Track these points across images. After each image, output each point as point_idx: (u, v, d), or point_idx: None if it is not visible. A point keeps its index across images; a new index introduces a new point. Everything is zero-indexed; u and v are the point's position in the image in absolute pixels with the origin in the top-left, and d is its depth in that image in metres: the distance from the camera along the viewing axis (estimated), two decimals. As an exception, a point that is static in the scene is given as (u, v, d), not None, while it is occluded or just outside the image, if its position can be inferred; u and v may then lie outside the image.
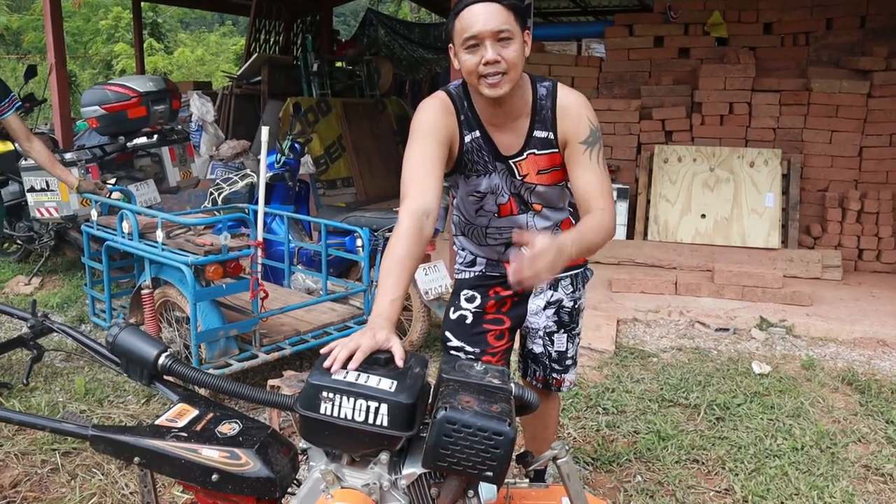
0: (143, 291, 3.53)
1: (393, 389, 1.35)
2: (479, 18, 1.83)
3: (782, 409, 3.69)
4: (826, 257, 6.01)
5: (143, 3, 12.77)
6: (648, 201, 6.62)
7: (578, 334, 2.43)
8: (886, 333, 4.79)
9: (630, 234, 6.61)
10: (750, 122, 6.67)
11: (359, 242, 4.10)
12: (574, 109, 2.01)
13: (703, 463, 3.19)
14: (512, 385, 1.48)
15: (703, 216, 6.39)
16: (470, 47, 1.86)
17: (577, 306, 2.37)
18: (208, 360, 3.36)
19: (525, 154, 2.05)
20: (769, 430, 3.47)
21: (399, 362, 1.41)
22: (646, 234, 6.55)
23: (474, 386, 1.44)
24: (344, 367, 1.36)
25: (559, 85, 2.06)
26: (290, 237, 4.47)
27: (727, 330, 4.88)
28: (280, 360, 3.69)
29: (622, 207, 6.54)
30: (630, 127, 6.89)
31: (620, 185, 6.60)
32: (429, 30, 14.40)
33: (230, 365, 3.37)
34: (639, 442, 3.34)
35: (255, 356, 3.49)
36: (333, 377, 1.37)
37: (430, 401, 1.48)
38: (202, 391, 2.52)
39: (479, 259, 2.33)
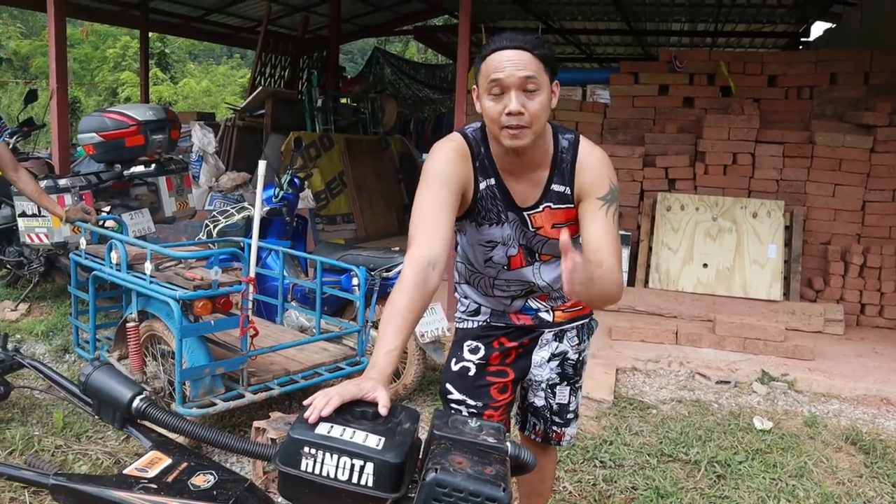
0: (129, 324, 3.42)
1: (380, 447, 1.25)
2: (506, 65, 1.75)
3: (785, 469, 3.56)
4: (828, 311, 5.91)
5: (150, 34, 12.87)
6: (650, 249, 6.55)
7: (581, 387, 2.33)
8: (891, 392, 4.68)
9: (631, 282, 6.52)
10: (753, 172, 6.63)
11: (355, 281, 4.00)
12: (595, 164, 1.93)
13: (703, 525, 3.06)
14: (508, 444, 1.38)
15: (705, 265, 6.31)
16: (494, 94, 1.78)
17: (581, 358, 2.28)
18: (192, 398, 3.24)
19: (541, 207, 1.97)
20: (772, 490, 3.35)
21: (382, 410, 1.32)
22: (647, 281, 6.46)
23: (468, 445, 1.34)
24: (324, 418, 1.27)
25: (582, 139, 1.98)
26: (285, 273, 4.38)
27: (728, 383, 4.76)
28: (268, 400, 3.56)
29: (624, 254, 6.46)
30: (633, 174, 6.85)
31: (623, 232, 6.53)
32: (435, 70, 14.52)
33: (215, 404, 3.25)
34: (637, 499, 3.21)
35: (242, 396, 3.37)
36: (316, 431, 1.27)
37: (420, 456, 1.37)
38: (180, 437, 2.39)
39: (483, 308, 2.24)
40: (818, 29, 11.65)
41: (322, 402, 1.30)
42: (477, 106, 1.87)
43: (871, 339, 5.82)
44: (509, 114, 1.75)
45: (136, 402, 1.48)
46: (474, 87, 1.87)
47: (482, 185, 1.95)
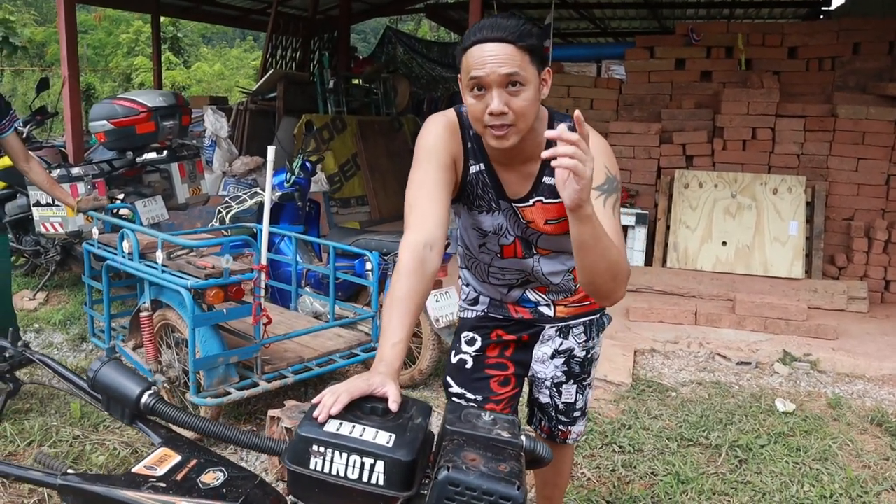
0: (142, 314, 3.40)
1: (391, 444, 1.21)
2: (488, 60, 1.60)
3: (808, 452, 3.49)
4: (851, 288, 5.80)
5: (162, 18, 12.83)
6: (668, 227, 6.45)
7: (590, 385, 2.22)
8: (917, 371, 4.59)
9: (649, 261, 6.43)
10: (773, 147, 6.49)
11: (368, 266, 3.96)
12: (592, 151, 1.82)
13: (725, 510, 3.01)
14: (523, 438, 1.33)
15: (725, 244, 6.20)
16: (476, 91, 1.64)
17: (589, 356, 2.15)
18: (207, 387, 3.22)
19: (531, 201, 1.85)
20: (795, 475, 3.28)
21: (392, 406, 1.28)
22: (665, 261, 6.37)
23: (481, 440, 1.30)
24: (333, 415, 1.23)
25: None
26: (299, 259, 4.34)
27: (749, 364, 4.69)
28: (282, 388, 3.54)
29: (641, 233, 6.37)
30: (650, 151, 6.73)
31: (639, 211, 6.44)
32: (447, 48, 14.36)
33: (229, 393, 3.23)
34: (657, 485, 3.16)
35: (256, 384, 3.35)
36: (325, 429, 1.24)
37: (433, 451, 1.33)
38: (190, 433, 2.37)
39: (481, 298, 2.14)
40: (839, -2, 11.36)
41: (331, 400, 1.26)
42: (464, 98, 1.74)
43: (895, 316, 5.71)
44: (491, 114, 1.62)
45: (144, 398, 1.46)
46: (459, 76, 1.74)
47: (472, 169, 1.84)
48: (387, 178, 9.13)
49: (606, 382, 4.21)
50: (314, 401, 1.30)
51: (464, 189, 1.87)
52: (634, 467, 3.31)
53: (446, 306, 3.96)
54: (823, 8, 11.52)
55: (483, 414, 1.39)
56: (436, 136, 1.79)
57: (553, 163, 1.38)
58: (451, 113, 1.86)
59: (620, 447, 3.50)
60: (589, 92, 7.21)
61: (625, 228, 6.10)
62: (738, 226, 6.22)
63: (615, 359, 4.50)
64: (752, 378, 4.50)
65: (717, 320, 5.24)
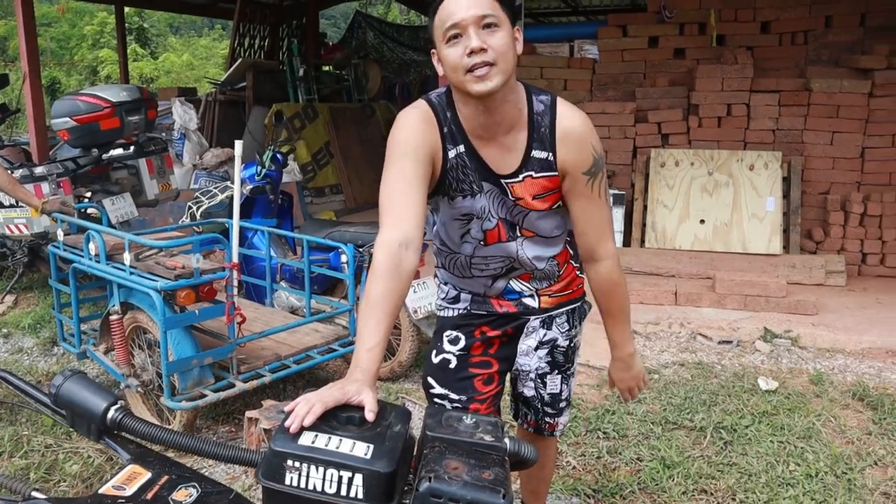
0: (112, 317, 3.31)
1: (369, 455, 1.15)
2: (460, 5, 1.62)
3: (793, 431, 3.49)
4: (829, 262, 5.82)
5: (127, 9, 12.55)
6: (645, 207, 6.43)
7: (573, 374, 2.18)
8: (896, 343, 4.61)
9: (627, 242, 6.41)
10: (748, 123, 6.47)
11: (343, 259, 3.88)
12: (578, 135, 1.77)
13: (711, 494, 2.99)
14: (506, 441, 1.27)
15: (702, 222, 6.19)
16: (452, 39, 1.63)
17: (572, 345, 2.11)
18: (181, 390, 3.14)
19: (521, 176, 1.79)
20: (780, 454, 3.27)
21: (369, 415, 1.22)
22: (643, 241, 6.35)
23: (463, 446, 1.24)
24: (307, 427, 1.18)
25: (559, 101, 1.80)
26: (273, 253, 4.25)
27: (730, 342, 4.68)
28: (260, 387, 3.47)
29: (618, 214, 6.33)
30: (625, 130, 6.69)
31: (616, 191, 6.40)
32: (418, 32, 14.23)
33: (205, 396, 3.15)
34: (643, 470, 3.14)
35: (233, 385, 3.27)
36: (300, 442, 1.17)
37: (414, 455, 1.28)
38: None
39: (462, 295, 2.07)
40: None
41: (304, 410, 1.20)
42: (439, 68, 1.72)
43: (873, 289, 5.74)
44: (471, 52, 1.60)
45: (111, 413, 1.39)
46: (433, 50, 1.73)
47: (451, 154, 1.78)
48: (360, 166, 9.02)
49: (589, 367, 4.18)
50: (286, 410, 1.24)
51: (444, 177, 1.81)
52: (620, 453, 3.29)
53: (424, 297, 3.90)
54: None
55: (464, 417, 1.33)
56: (410, 129, 1.73)
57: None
58: (421, 103, 1.80)
59: (605, 433, 3.47)
60: (562, 73, 7.14)
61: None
62: (715, 203, 6.21)
63: (597, 342, 4.43)
64: (734, 357, 4.50)
65: (698, 299, 5.23)
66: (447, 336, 2.07)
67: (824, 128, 6.33)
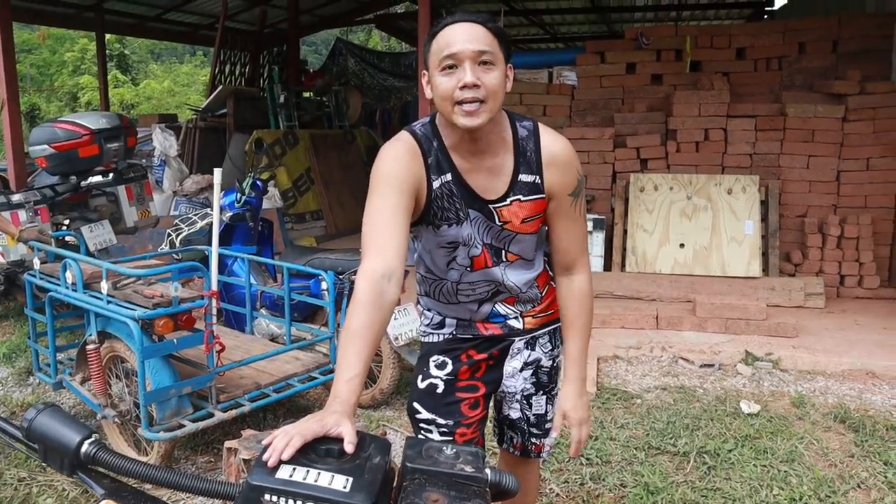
0: (89, 346, 3.26)
1: (348, 489, 1.13)
2: (459, 37, 1.64)
3: (776, 454, 3.49)
4: (808, 285, 5.87)
5: (108, 36, 12.53)
6: (625, 231, 6.46)
7: (557, 394, 2.17)
8: (875, 364, 4.64)
9: (608, 266, 6.43)
10: (726, 148, 6.55)
11: (324, 286, 3.86)
12: (563, 158, 1.83)
13: (696, 519, 2.97)
14: (488, 471, 1.26)
15: (682, 245, 6.23)
16: (447, 68, 1.65)
17: (555, 364, 2.12)
18: (159, 420, 3.09)
19: (509, 200, 1.82)
20: (764, 478, 3.27)
21: (348, 447, 1.20)
22: (623, 265, 6.37)
23: (444, 477, 1.22)
24: (285, 460, 1.15)
25: (540, 126, 1.85)
26: (253, 280, 4.22)
27: (712, 366, 4.69)
28: (239, 417, 3.42)
29: (598, 238, 6.36)
30: (604, 156, 6.74)
31: (596, 216, 6.44)
32: (399, 59, 14.32)
33: (183, 426, 3.10)
34: (626, 497, 3.12)
35: (212, 415, 3.22)
36: (277, 476, 1.15)
37: (394, 487, 1.26)
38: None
39: (447, 320, 2.07)
40: (782, -2, 11.61)
41: (282, 443, 1.18)
42: (427, 91, 1.73)
43: (852, 310, 5.79)
44: (464, 87, 1.63)
45: (84, 447, 1.35)
46: (423, 71, 1.75)
47: (436, 184, 1.80)
48: (342, 192, 9.02)
49: (572, 392, 4.16)
50: (264, 442, 1.22)
51: (429, 207, 1.82)
52: (603, 479, 3.26)
53: (405, 323, 3.88)
54: (767, 8, 11.77)
55: (445, 448, 1.32)
56: (393, 161, 1.74)
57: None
58: (405, 136, 1.82)
59: (588, 459, 3.45)
60: (541, 98, 7.20)
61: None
62: (694, 227, 6.25)
63: (579, 367, 4.45)
64: (716, 380, 4.50)
65: (679, 323, 5.25)
66: (434, 361, 2.06)
67: (800, 152, 6.42)
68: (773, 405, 4.12)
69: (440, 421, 2.02)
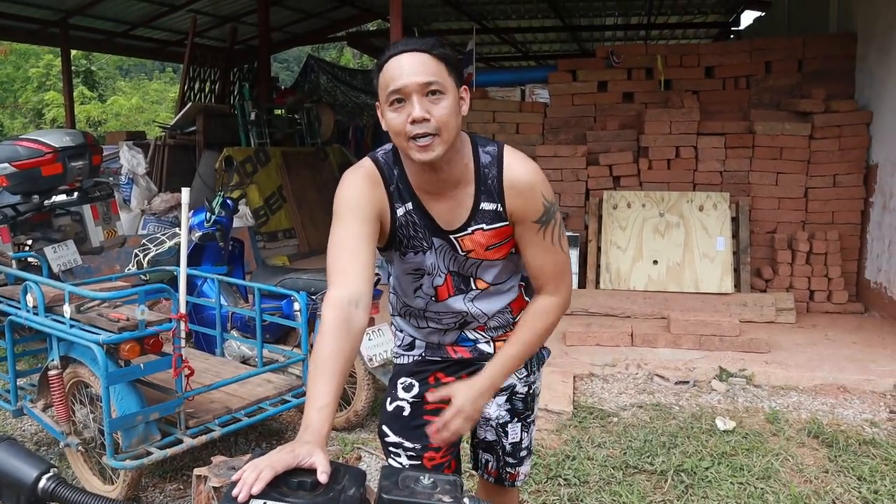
0: (51, 372, 3.15)
1: (322, 523, 1.09)
2: (403, 70, 1.58)
3: (752, 471, 3.48)
4: (779, 300, 5.92)
5: (73, 52, 12.36)
6: (599, 249, 6.47)
7: (533, 422, 2.13)
8: (846, 379, 4.67)
9: (582, 283, 6.43)
10: (697, 165, 6.62)
11: (296, 307, 3.79)
12: (524, 184, 1.75)
13: (675, 540, 2.94)
14: (466, 500, 1.21)
15: (655, 262, 6.26)
16: (395, 103, 1.60)
17: (531, 391, 2.07)
18: (125, 448, 2.98)
19: (470, 229, 1.77)
20: (741, 496, 3.25)
21: (322, 477, 1.16)
22: (598, 282, 6.38)
23: (420, 509, 1.18)
24: (255, 495, 1.10)
25: (507, 150, 1.79)
26: (223, 301, 4.13)
27: (687, 383, 4.69)
28: (209, 442, 3.32)
29: (573, 255, 6.37)
30: (577, 173, 6.77)
31: (570, 233, 6.44)
32: (371, 76, 14.28)
33: (150, 453, 3.00)
34: (605, 519, 3.08)
35: (180, 441, 3.12)
36: (249, 509, 1.10)
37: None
38: None
39: (417, 342, 2.03)
40: (748, 18, 11.84)
41: (252, 477, 1.13)
42: (382, 123, 1.68)
43: (822, 325, 5.84)
44: (413, 121, 1.57)
45: (42, 482, 1.28)
46: (377, 102, 1.69)
47: (399, 212, 1.77)
48: (314, 210, 8.94)
49: (547, 412, 4.13)
50: (234, 478, 1.17)
51: (394, 235, 1.79)
52: (581, 500, 3.23)
53: (379, 344, 3.82)
54: (733, 28, 11.99)
55: (422, 477, 1.27)
56: (354, 188, 1.71)
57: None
58: (366, 162, 1.78)
59: (566, 480, 3.41)
60: (514, 116, 7.22)
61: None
62: (667, 244, 6.28)
63: (555, 386, 4.43)
64: (691, 397, 4.50)
65: (654, 340, 5.25)
66: (401, 383, 2.02)
67: (769, 169, 6.50)
68: (747, 421, 4.12)
69: (407, 444, 1.97)
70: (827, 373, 4.75)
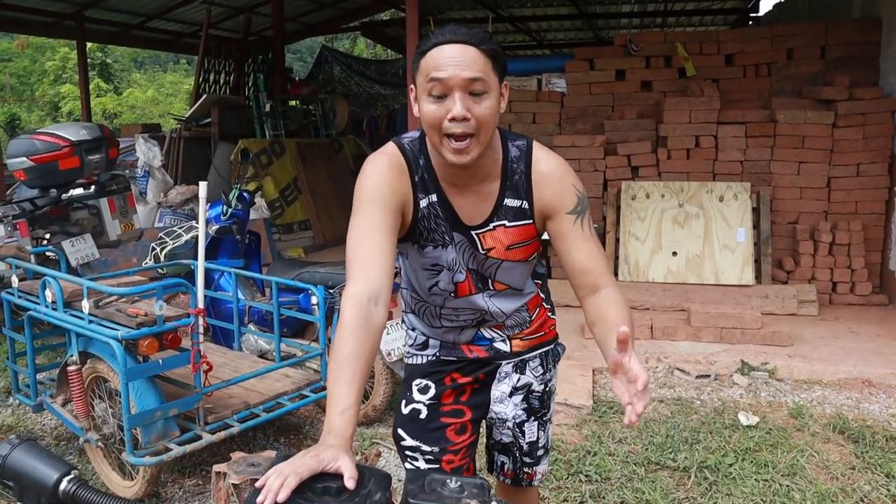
0: (70, 368, 3.14)
1: (349, 529, 1.06)
2: (450, 62, 1.50)
3: (776, 468, 3.42)
4: (801, 292, 5.83)
5: (89, 44, 12.37)
6: (617, 240, 6.40)
7: (550, 420, 2.07)
8: (871, 373, 4.60)
9: (600, 274, 6.36)
10: (717, 155, 6.52)
11: (314, 301, 3.76)
12: (556, 176, 1.70)
13: (699, 539, 2.90)
14: (494, 504, 1.18)
15: (675, 254, 6.18)
16: (435, 95, 1.52)
17: (548, 389, 2.02)
18: (144, 444, 2.97)
19: (492, 225, 1.72)
20: (766, 493, 3.20)
21: (349, 483, 1.13)
22: (616, 274, 6.31)
23: (448, 513, 1.14)
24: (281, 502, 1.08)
25: (535, 146, 1.74)
26: (240, 295, 4.11)
27: (708, 377, 4.63)
28: (228, 438, 3.31)
29: (591, 246, 6.29)
30: (595, 163, 6.69)
31: (588, 224, 6.37)
32: (385, 66, 14.24)
33: (170, 450, 2.98)
34: (628, 516, 3.04)
35: (199, 437, 3.11)
36: (271, 517, 1.07)
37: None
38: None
39: (431, 341, 1.97)
40: (767, 4, 11.67)
41: (277, 484, 1.09)
42: (415, 109, 1.61)
43: (845, 317, 5.75)
44: (453, 119, 1.51)
45: (63, 485, 1.27)
46: (412, 86, 1.62)
47: (423, 203, 1.70)
48: (329, 201, 8.92)
49: (567, 406, 4.09)
50: (258, 484, 1.13)
51: (415, 226, 1.73)
52: (603, 497, 3.18)
53: (398, 338, 3.79)
54: (752, 14, 11.81)
55: (448, 481, 1.23)
56: (377, 177, 1.64)
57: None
58: (391, 148, 1.72)
59: (587, 476, 3.37)
60: (530, 106, 7.15)
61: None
62: (687, 235, 6.20)
63: (574, 380, 4.38)
64: (713, 391, 4.44)
65: (673, 333, 5.18)
66: (416, 385, 1.97)
67: (791, 158, 6.39)
68: (771, 416, 4.05)
69: (425, 448, 1.93)
70: (851, 367, 4.67)
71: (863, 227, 6.12)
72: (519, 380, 1.98)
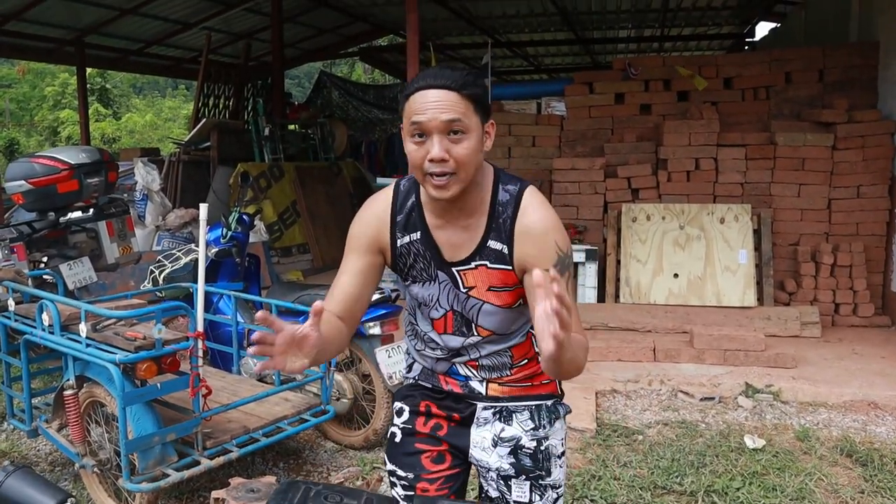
0: (67, 392, 3.09)
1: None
2: (430, 106, 1.57)
3: (784, 492, 3.37)
4: (804, 314, 5.80)
5: (88, 70, 12.43)
6: (619, 262, 6.38)
7: (554, 487, 1.86)
8: (877, 395, 4.55)
9: (601, 297, 6.33)
10: (717, 177, 6.53)
11: (314, 323, 3.71)
12: (538, 231, 1.66)
13: (709, 565, 2.83)
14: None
15: (676, 276, 6.15)
16: (416, 138, 1.60)
17: (543, 448, 1.84)
18: (141, 470, 2.91)
19: (474, 264, 1.71)
20: (775, 519, 3.14)
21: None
22: (617, 296, 6.28)
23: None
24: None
25: (528, 192, 1.71)
26: (239, 318, 4.07)
27: (712, 399, 4.58)
28: (227, 463, 3.25)
29: (591, 269, 6.28)
30: (595, 186, 6.69)
31: (588, 247, 6.36)
32: (383, 91, 14.32)
33: (167, 475, 2.92)
34: (635, 542, 2.98)
35: (198, 462, 3.05)
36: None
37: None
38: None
39: (415, 365, 1.96)
40: (763, 29, 11.77)
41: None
42: (405, 145, 1.68)
43: (848, 339, 5.72)
44: (431, 160, 1.58)
45: (58, 513, 1.22)
46: (401, 125, 1.68)
47: (401, 242, 1.77)
48: (328, 225, 8.90)
49: (571, 429, 4.03)
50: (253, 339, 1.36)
51: (395, 263, 1.81)
52: (609, 523, 3.13)
53: (399, 362, 3.74)
54: (748, 39, 11.90)
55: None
56: (358, 222, 1.82)
57: (546, 322, 1.30)
58: (385, 191, 1.84)
59: (592, 501, 3.31)
60: (530, 129, 7.17)
61: (575, 265, 5.97)
62: (688, 257, 6.18)
63: (577, 402, 4.33)
64: (718, 414, 4.39)
65: (676, 355, 5.14)
66: (395, 408, 1.97)
67: (791, 180, 6.40)
68: (777, 439, 4.00)
69: (400, 473, 1.88)
70: (857, 389, 4.62)
71: (864, 248, 6.12)
72: (503, 430, 1.85)
